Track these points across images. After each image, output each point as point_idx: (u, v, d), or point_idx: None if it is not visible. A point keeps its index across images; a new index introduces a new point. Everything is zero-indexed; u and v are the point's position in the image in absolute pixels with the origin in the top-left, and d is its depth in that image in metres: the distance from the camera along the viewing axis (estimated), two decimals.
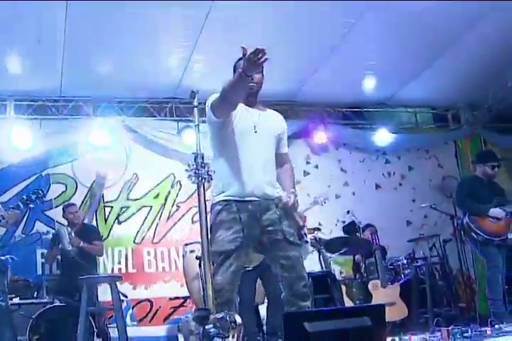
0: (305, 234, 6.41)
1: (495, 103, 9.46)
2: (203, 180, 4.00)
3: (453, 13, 7.12)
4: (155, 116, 8.71)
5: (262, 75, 4.07)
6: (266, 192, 3.96)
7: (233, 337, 3.58)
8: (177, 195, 8.67)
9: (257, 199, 3.93)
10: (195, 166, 3.97)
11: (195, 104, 4.20)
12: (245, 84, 3.75)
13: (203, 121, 4.13)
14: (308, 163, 9.52)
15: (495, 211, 6.65)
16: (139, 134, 8.61)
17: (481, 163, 7.05)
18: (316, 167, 9.39)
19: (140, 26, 6.85)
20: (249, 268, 6.03)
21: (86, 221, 8.00)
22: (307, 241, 6.66)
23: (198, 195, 4.08)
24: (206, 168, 4.01)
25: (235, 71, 4.02)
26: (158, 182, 8.66)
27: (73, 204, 7.80)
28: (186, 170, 4.00)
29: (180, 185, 8.56)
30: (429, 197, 9.35)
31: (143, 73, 7.79)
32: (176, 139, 8.30)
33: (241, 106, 4.04)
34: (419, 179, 9.87)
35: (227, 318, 3.68)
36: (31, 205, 5.74)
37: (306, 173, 9.36)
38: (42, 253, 7.86)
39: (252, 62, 3.52)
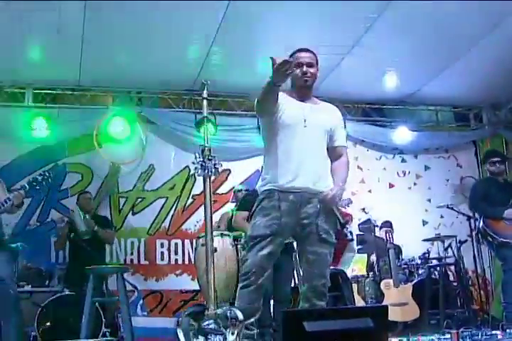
0: (350, 232, 6.33)
1: None
2: (210, 173, 3.98)
3: (477, 12, 6.98)
4: (173, 108, 8.67)
5: (317, 69, 4.17)
6: (310, 186, 3.94)
7: (233, 333, 3.55)
8: (192, 187, 8.65)
9: (299, 191, 3.93)
10: (202, 159, 3.96)
11: (205, 95, 4.19)
12: (275, 92, 3.86)
13: (209, 113, 4.12)
14: None
15: (509, 212, 6.54)
16: (156, 125, 8.60)
17: (485, 164, 7.01)
18: None
19: (159, 17, 6.80)
20: None
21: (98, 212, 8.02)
22: (352, 240, 6.58)
23: (204, 188, 4.07)
24: (213, 161, 3.99)
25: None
26: (174, 174, 8.65)
27: (88, 192, 7.87)
28: (193, 163, 3.99)
29: (195, 177, 8.51)
30: (446, 197, 9.27)
31: (161, 64, 7.74)
32: (193, 131, 8.25)
33: (291, 100, 4.10)
34: (435, 178, 9.78)
35: (228, 314, 3.66)
36: (38, 187, 5.69)
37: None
38: (55, 242, 7.87)
39: (280, 73, 3.65)
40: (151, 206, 8.53)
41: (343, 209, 6.97)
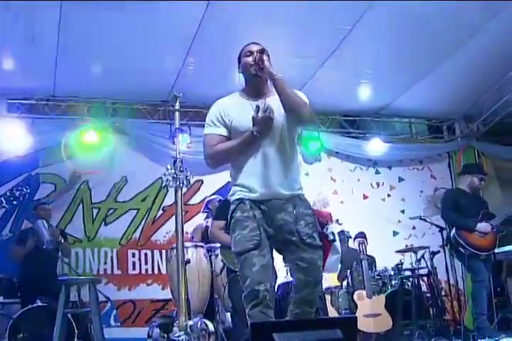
0: (332, 233, 6.25)
1: (490, 116, 9.40)
2: (181, 185, 3.99)
3: (451, 25, 7.14)
4: (147, 119, 8.68)
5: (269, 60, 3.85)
6: (280, 191, 3.73)
7: None
8: (164, 198, 8.66)
9: (270, 198, 3.72)
10: (173, 171, 3.97)
11: (177, 107, 4.21)
12: (254, 142, 3.69)
13: (183, 124, 4.10)
14: None
15: (482, 225, 6.61)
16: (130, 136, 8.59)
17: (469, 174, 7.03)
18: (307, 174, 9.31)
19: (135, 28, 6.84)
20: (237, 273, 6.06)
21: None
22: (334, 240, 6.50)
23: (175, 199, 4.09)
24: (185, 173, 4.01)
25: (239, 61, 3.88)
26: (146, 186, 8.66)
27: (45, 203, 7.76)
28: (165, 175, 4.00)
29: (167, 189, 8.49)
30: (419, 208, 9.38)
31: (137, 75, 7.74)
32: (167, 143, 8.24)
33: (241, 103, 3.82)
34: (409, 190, 9.88)
35: (198, 325, 3.67)
36: (14, 202, 5.67)
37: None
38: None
39: (265, 123, 3.59)
40: (123, 217, 8.54)
41: (322, 209, 6.99)
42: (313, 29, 6.99)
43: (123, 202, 8.56)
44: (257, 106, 3.61)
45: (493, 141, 10.04)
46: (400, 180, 9.91)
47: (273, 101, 3.72)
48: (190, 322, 3.71)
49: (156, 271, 8.44)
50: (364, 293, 7.38)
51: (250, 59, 3.75)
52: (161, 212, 8.66)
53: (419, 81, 8.44)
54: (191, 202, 8.58)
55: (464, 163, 9.27)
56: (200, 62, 7.68)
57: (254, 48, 3.78)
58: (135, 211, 8.60)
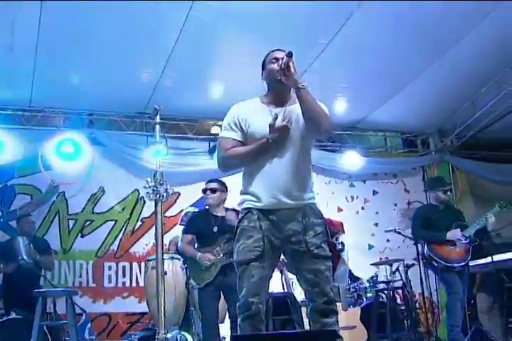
0: (342, 243, 6.21)
1: (464, 130, 9.52)
2: (161, 198, 4.01)
3: (426, 41, 7.24)
4: (124, 131, 8.67)
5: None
6: (290, 201, 3.67)
7: None
8: (142, 210, 8.64)
9: (279, 208, 3.66)
10: (153, 183, 3.99)
11: (158, 120, 4.23)
12: (268, 150, 3.67)
13: (162, 136, 4.10)
14: None
15: (451, 233, 6.69)
16: (107, 148, 8.56)
17: (432, 190, 7.15)
18: None
19: (113, 40, 6.86)
20: (201, 286, 6.07)
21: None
22: (342, 250, 6.45)
23: (155, 212, 4.10)
24: (164, 186, 4.02)
25: (263, 67, 3.87)
26: (124, 197, 8.64)
27: (29, 215, 7.74)
28: (145, 187, 4.01)
29: (145, 201, 8.54)
30: (393, 221, 9.44)
31: (114, 87, 7.76)
32: (144, 155, 8.25)
33: (261, 109, 3.81)
34: (383, 203, 9.93)
35: (178, 338, 3.68)
36: None
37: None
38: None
39: (282, 132, 3.60)
40: (100, 228, 8.47)
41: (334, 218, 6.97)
42: (288, 43, 6.99)
43: (100, 213, 8.51)
44: (276, 114, 3.63)
45: (467, 155, 10.17)
46: (374, 193, 9.97)
47: (293, 110, 3.72)
48: (169, 335, 3.69)
49: (134, 284, 8.38)
50: (340, 305, 7.40)
51: (276, 65, 3.71)
52: (139, 223, 8.63)
53: (394, 95, 8.53)
54: (168, 214, 8.51)
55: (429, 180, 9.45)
56: (177, 75, 7.71)
57: (280, 55, 3.73)
58: (113, 222, 8.54)
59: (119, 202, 8.61)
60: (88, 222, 8.42)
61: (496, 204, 6.89)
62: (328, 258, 3.69)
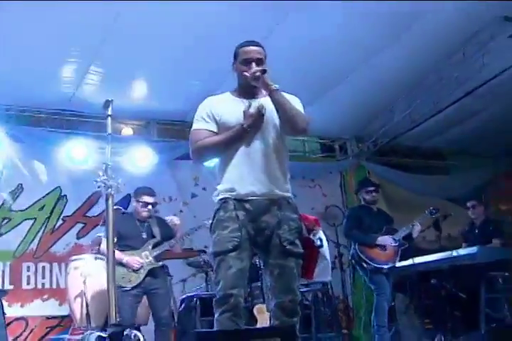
0: (319, 238, 6.12)
1: (380, 136, 9.75)
2: (113, 192, 3.90)
3: (346, 48, 7.36)
4: (44, 127, 8.37)
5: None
6: (266, 191, 3.62)
7: None
8: (63, 208, 8.34)
9: (256, 198, 3.61)
10: (105, 177, 3.88)
11: (109, 113, 4.12)
12: (243, 137, 3.64)
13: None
14: (196, 184, 9.38)
15: (382, 239, 6.90)
16: (26, 144, 8.22)
17: (359, 191, 7.35)
18: (204, 189, 9.24)
19: (36, 34, 6.59)
20: (128, 288, 5.98)
21: None
22: (321, 246, 6.35)
23: (107, 206, 3.98)
24: (116, 180, 3.92)
25: (235, 58, 3.81)
26: (43, 195, 8.28)
27: None
28: (96, 181, 3.89)
29: (67, 199, 8.29)
30: None
31: (34, 81, 7.48)
32: (65, 152, 8.00)
33: (233, 100, 3.80)
34: (301, 207, 9.85)
35: (132, 336, 3.59)
36: None
37: (193, 195, 9.25)
38: None
39: (256, 118, 3.57)
40: (18, 227, 8.07)
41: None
42: (209, 40, 6.92)
43: (19, 211, 8.11)
44: (249, 102, 3.61)
45: (382, 161, 10.44)
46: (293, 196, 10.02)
47: (265, 101, 3.67)
48: (125, 333, 3.59)
49: (54, 285, 8.02)
50: (264, 307, 7.39)
51: (246, 68, 3.68)
52: (60, 222, 8.30)
53: (314, 102, 8.58)
54: (89, 214, 8.34)
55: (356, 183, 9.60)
56: (102, 73, 7.54)
57: (253, 56, 3.71)
58: (32, 220, 8.15)
59: (38, 200, 8.25)
60: (5, 221, 8.01)
61: (426, 210, 7.10)
62: (300, 255, 3.66)
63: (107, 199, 3.90)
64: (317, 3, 6.44)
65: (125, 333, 3.62)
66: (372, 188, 7.26)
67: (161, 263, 6.42)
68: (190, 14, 6.43)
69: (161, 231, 6.53)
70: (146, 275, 6.20)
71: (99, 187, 3.85)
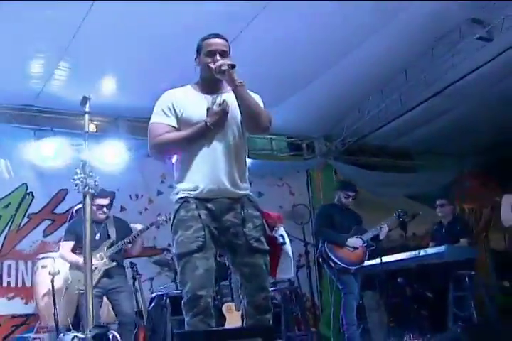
0: (282, 236, 6.08)
1: (348, 136, 9.78)
2: (90, 190, 3.85)
3: (317, 48, 7.35)
4: (11, 123, 8.15)
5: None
6: (228, 190, 3.58)
7: None
8: (29, 205, 8.19)
9: (217, 197, 3.56)
10: (82, 175, 3.83)
11: (87, 109, 4.06)
12: (206, 134, 3.57)
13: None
14: (162, 182, 9.29)
15: (352, 241, 6.95)
16: None
17: (339, 190, 7.37)
18: (171, 187, 9.17)
19: (4, 28, 6.43)
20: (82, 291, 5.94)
21: None
22: (284, 243, 6.31)
23: (84, 205, 3.93)
24: (93, 178, 3.87)
25: (198, 52, 3.72)
26: (9, 192, 8.12)
27: None
28: (73, 179, 3.84)
29: (33, 196, 8.15)
30: None
31: (1, 77, 7.25)
32: (31, 149, 7.87)
33: (194, 95, 3.71)
34: (268, 205, 9.84)
35: (110, 337, 3.54)
36: None
37: (159, 192, 9.14)
38: None
39: (220, 115, 3.52)
40: None
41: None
42: (190, 42, 6.88)
43: None
44: (213, 98, 3.57)
45: (350, 160, 10.47)
46: (260, 195, 9.99)
47: (229, 97, 3.61)
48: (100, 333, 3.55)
49: (19, 284, 7.88)
50: (233, 305, 7.39)
51: (210, 60, 3.61)
52: (26, 219, 8.14)
53: (283, 101, 8.60)
54: (56, 211, 8.22)
55: (338, 180, 9.75)
56: (71, 69, 7.39)
57: (217, 48, 3.64)
58: None
59: (4, 197, 8.08)
60: None
61: (395, 212, 7.16)
62: (266, 252, 3.63)
63: (84, 198, 3.84)
64: (284, 4, 6.40)
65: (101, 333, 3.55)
66: (352, 194, 7.28)
67: (114, 263, 6.44)
68: (159, 13, 6.35)
69: (117, 232, 6.58)
70: (101, 277, 6.29)
71: (76, 185, 3.79)
